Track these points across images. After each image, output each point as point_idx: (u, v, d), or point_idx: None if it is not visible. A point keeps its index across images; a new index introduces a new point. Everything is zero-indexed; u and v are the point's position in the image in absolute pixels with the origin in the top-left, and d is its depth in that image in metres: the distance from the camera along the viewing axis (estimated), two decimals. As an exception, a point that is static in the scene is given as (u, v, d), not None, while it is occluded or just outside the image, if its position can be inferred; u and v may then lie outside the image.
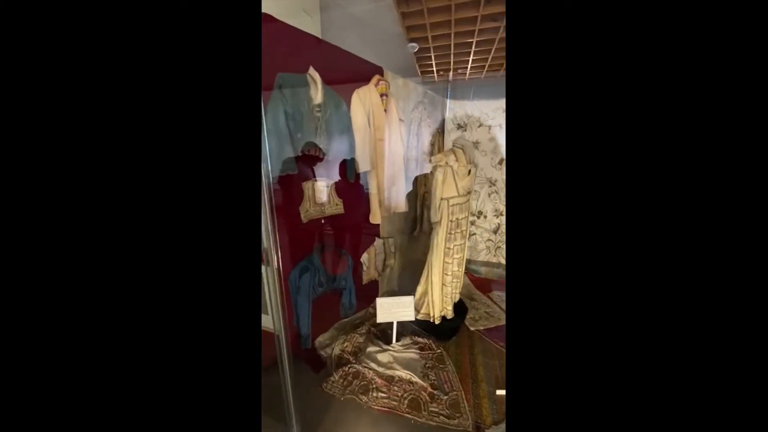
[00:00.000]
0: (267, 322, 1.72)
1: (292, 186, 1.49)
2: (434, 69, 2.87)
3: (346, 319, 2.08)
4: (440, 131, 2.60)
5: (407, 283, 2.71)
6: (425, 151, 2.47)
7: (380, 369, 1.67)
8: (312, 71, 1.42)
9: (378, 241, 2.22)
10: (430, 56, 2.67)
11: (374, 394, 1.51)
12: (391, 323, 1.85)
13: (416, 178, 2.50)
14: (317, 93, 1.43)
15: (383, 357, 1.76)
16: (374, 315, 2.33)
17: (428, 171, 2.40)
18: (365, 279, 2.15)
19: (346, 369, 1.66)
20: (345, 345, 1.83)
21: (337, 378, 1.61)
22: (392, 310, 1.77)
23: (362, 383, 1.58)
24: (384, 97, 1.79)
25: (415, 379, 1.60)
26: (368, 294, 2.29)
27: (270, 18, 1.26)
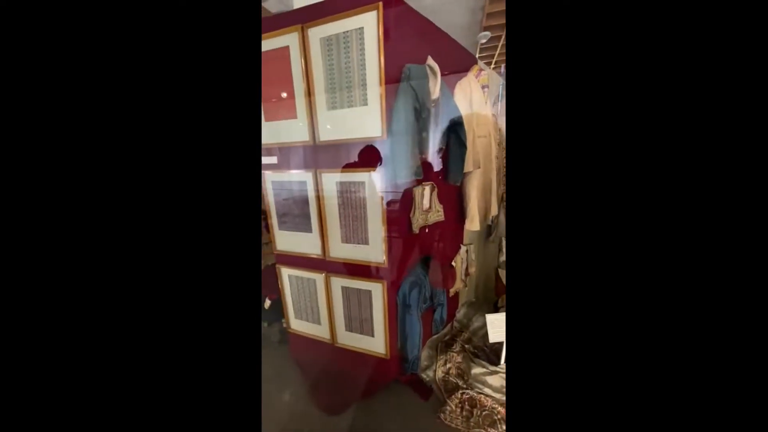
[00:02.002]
0: (372, 344, 1.57)
1: (406, 192, 1.32)
2: (494, 60, 2.68)
3: (435, 336, 1.91)
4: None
5: (483, 292, 2.53)
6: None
7: (497, 395, 1.49)
8: (431, 61, 1.26)
9: (462, 249, 2.04)
10: (496, 45, 2.48)
11: (504, 427, 1.33)
12: (488, 339, 1.67)
13: (490, 179, 2.32)
14: (435, 86, 1.26)
15: (494, 380, 1.57)
16: (461, 330, 2.16)
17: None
18: (452, 290, 1.98)
19: (460, 396, 1.48)
20: (448, 366, 1.66)
21: (453, 407, 1.43)
22: (505, 327, 1.58)
23: (484, 413, 1.40)
24: (485, 89, 1.62)
25: (543, 406, 1.41)
26: (451, 306, 2.11)
27: (396, -1, 1.10)
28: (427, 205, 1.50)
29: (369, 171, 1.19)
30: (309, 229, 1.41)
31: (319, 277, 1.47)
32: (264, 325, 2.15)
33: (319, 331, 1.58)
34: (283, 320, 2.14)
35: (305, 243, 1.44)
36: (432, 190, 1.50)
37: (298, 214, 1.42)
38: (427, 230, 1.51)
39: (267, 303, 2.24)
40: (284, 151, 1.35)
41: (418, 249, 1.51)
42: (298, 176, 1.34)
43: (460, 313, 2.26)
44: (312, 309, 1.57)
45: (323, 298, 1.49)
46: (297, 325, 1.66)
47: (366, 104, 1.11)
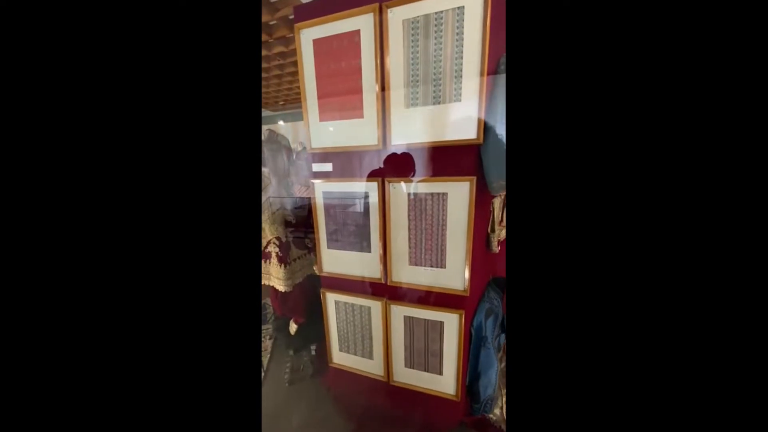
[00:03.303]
0: (438, 383, 1.35)
1: (485, 205, 1.13)
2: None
3: (490, 364, 1.71)
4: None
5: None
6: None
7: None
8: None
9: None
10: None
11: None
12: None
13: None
14: (525, 81, 1.08)
15: (572, 419, 1.38)
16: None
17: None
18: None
19: (540, 441, 1.28)
20: (516, 404, 1.45)
21: (536, 457, 1.23)
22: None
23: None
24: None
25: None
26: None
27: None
28: (500, 218, 1.32)
29: (454, 180, 0.99)
30: (367, 249, 1.19)
31: (375, 305, 1.25)
32: (289, 353, 1.91)
33: (370, 366, 1.35)
34: (312, 347, 1.90)
35: (361, 264, 1.23)
36: (505, 202, 1.32)
37: (354, 230, 1.21)
38: (499, 247, 1.32)
39: (293, 328, 2.00)
40: (342, 157, 1.14)
41: (490, 269, 1.31)
42: (358, 186, 1.14)
43: (508, 336, 2.07)
44: (363, 341, 1.34)
45: (379, 328, 1.27)
46: (341, 358, 1.43)
47: (459, 100, 0.92)
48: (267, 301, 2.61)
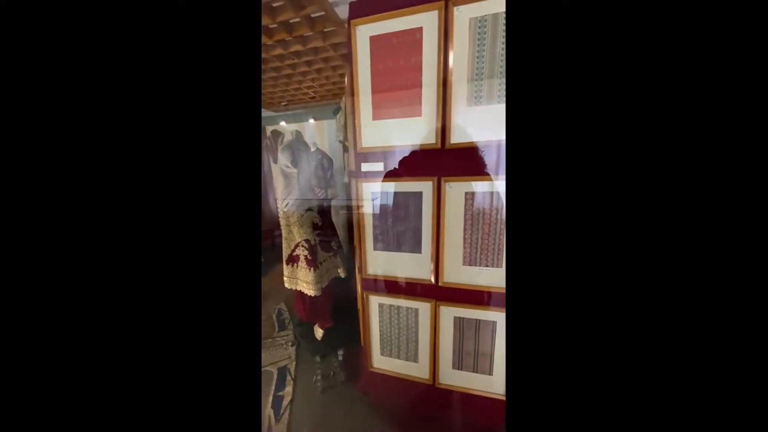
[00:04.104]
0: (488, 384, 1.34)
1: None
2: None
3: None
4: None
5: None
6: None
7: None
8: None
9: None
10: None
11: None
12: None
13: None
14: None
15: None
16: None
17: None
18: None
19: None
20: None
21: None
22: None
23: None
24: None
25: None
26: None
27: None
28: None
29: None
30: (417, 249, 1.17)
31: (423, 306, 1.23)
32: (316, 359, 1.85)
33: (414, 370, 1.33)
34: (340, 352, 1.86)
35: (410, 266, 1.20)
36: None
37: (403, 231, 1.18)
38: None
39: (319, 333, 1.95)
40: (395, 156, 1.12)
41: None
42: (411, 186, 1.12)
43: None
44: (408, 344, 1.31)
45: (427, 330, 1.25)
46: (382, 362, 1.40)
47: (526, 99, 0.92)
48: (281, 305, 2.54)
